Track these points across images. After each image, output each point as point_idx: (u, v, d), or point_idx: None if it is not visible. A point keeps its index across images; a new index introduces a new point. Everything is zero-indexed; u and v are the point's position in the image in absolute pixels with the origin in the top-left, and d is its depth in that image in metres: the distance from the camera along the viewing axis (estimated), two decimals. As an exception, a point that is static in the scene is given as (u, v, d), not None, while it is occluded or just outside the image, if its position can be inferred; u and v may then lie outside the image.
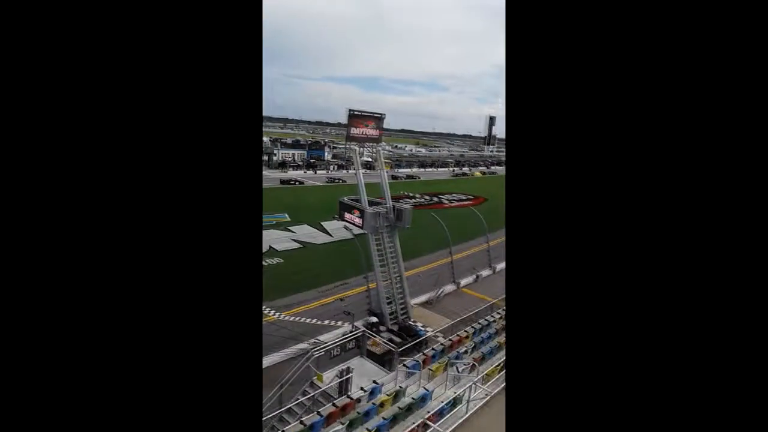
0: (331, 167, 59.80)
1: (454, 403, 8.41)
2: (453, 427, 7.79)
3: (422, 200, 41.58)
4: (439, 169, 76.40)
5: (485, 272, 21.33)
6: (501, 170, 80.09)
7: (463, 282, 19.93)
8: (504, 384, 9.15)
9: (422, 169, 73.40)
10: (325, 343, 11.90)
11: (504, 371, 9.74)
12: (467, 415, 8.12)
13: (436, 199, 43.46)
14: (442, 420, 7.94)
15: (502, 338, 12.32)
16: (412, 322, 14.62)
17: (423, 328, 14.25)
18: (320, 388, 9.51)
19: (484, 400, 8.50)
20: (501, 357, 11.07)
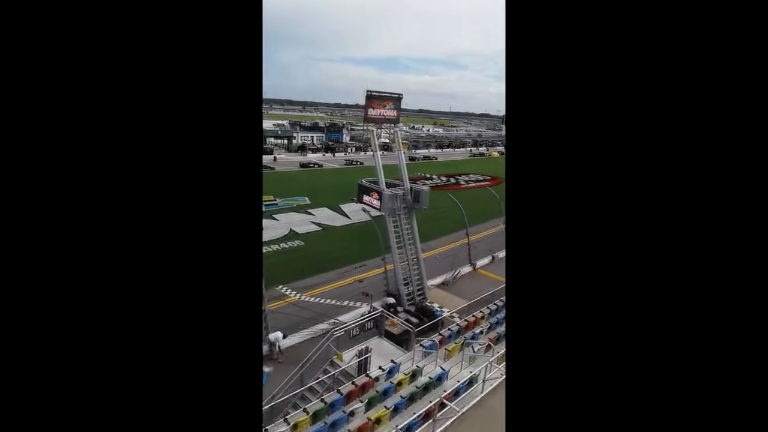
0: (349, 149, 59.81)
1: (470, 382, 8.59)
2: (469, 405, 7.98)
3: (439, 181, 41.34)
4: (457, 150, 75.50)
5: (501, 253, 21.28)
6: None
7: (480, 263, 19.96)
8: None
9: (439, 150, 72.69)
10: (345, 323, 12.22)
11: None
12: (482, 395, 8.30)
13: (453, 180, 43.13)
14: (458, 399, 8.14)
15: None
16: (429, 303, 14.81)
17: (439, 309, 14.43)
18: (340, 367, 9.82)
19: (499, 380, 8.65)
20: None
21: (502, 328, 11.69)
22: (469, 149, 76.40)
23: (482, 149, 76.93)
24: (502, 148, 79.06)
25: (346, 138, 68.46)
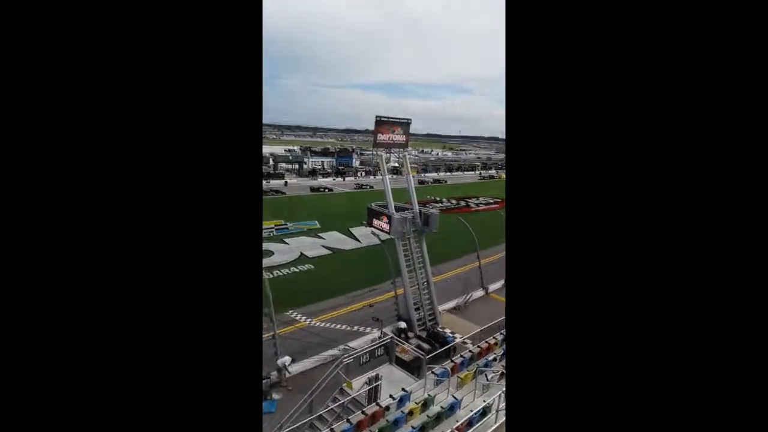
0: (359, 174, 60.36)
1: (484, 412, 8.32)
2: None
3: (449, 204, 41.28)
4: (466, 173, 75.70)
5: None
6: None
7: (492, 287, 19.64)
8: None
9: (449, 173, 72.96)
10: (355, 349, 12.02)
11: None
12: (496, 426, 8.01)
13: (463, 203, 43.06)
14: (471, 430, 7.87)
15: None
16: (441, 328, 14.54)
17: (451, 335, 14.15)
18: (350, 395, 9.60)
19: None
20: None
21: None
22: (478, 172, 76.56)
23: (492, 172, 77.03)
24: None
25: (356, 162, 69.25)
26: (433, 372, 10.18)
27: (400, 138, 15.37)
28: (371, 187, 49.46)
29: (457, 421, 8.05)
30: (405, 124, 15.42)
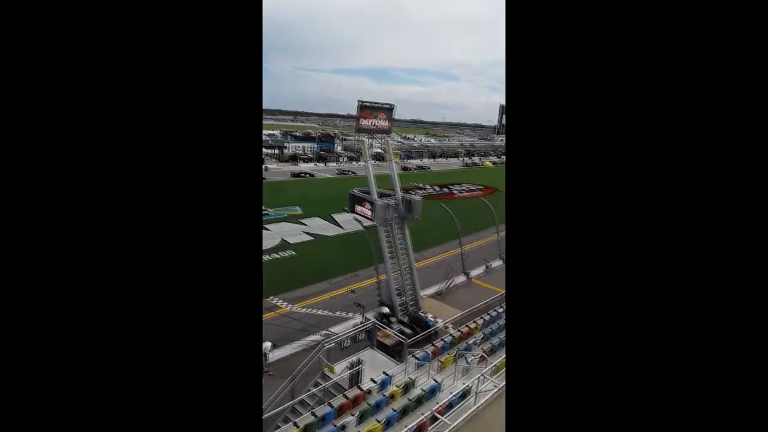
0: (342, 159, 59.81)
1: (464, 395, 8.47)
2: (462, 419, 7.85)
3: (432, 191, 41.43)
4: (450, 160, 75.90)
5: (496, 263, 21.26)
6: (512, 160, 79.39)
7: (474, 273, 19.90)
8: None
9: (432, 160, 73.01)
10: (337, 334, 12.04)
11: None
12: (476, 408, 8.18)
13: (446, 189, 43.26)
14: (451, 412, 8.02)
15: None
16: (423, 313, 14.69)
17: (433, 320, 14.31)
18: (331, 379, 9.65)
19: (492, 393, 8.54)
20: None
21: (496, 339, 11.60)
22: (462, 159, 76.85)
23: (475, 159, 77.44)
24: (494, 158, 79.70)
25: (338, 148, 68.54)
26: (414, 356, 10.30)
27: (383, 123, 15.22)
28: (354, 173, 49.14)
29: (438, 404, 8.19)
30: (388, 109, 15.26)
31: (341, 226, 26.97)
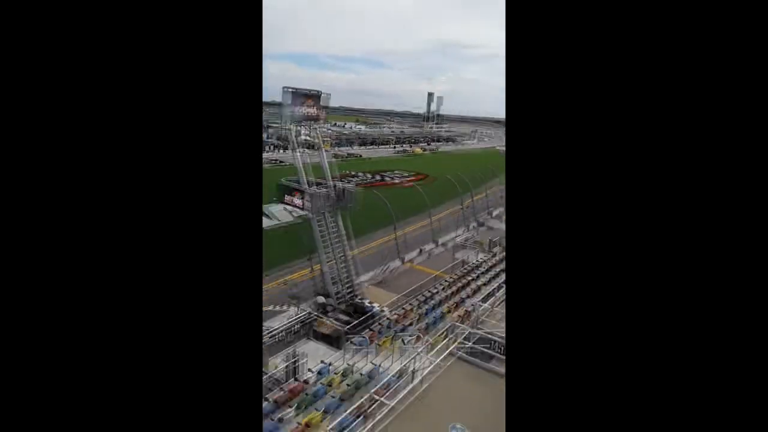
0: (268, 148, 57.61)
1: (401, 374, 8.71)
2: (401, 398, 8.08)
3: (366, 179, 41.53)
4: (380, 147, 76.44)
5: (428, 246, 21.93)
6: (443, 147, 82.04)
7: (410, 257, 20.36)
8: (452, 352, 9.62)
9: (363, 147, 73.04)
10: (272, 328, 11.75)
11: (449, 339, 10.21)
12: (412, 385, 8.45)
13: (379, 177, 43.59)
14: (388, 393, 8.21)
15: (445, 308, 12.85)
16: (360, 300, 14.80)
17: (370, 305, 14.48)
18: (267, 374, 9.43)
19: (429, 369, 8.87)
20: (445, 325, 11.56)
21: (430, 318, 12.03)
22: (394, 146, 77.68)
23: (405, 146, 78.64)
24: (424, 144, 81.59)
25: (264, 136, 65.98)
26: (351, 342, 10.37)
27: (311, 111, 14.88)
28: (282, 162, 47.68)
29: (377, 386, 8.34)
30: (317, 96, 14.94)
31: (274, 218, 26.14)
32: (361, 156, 61.55)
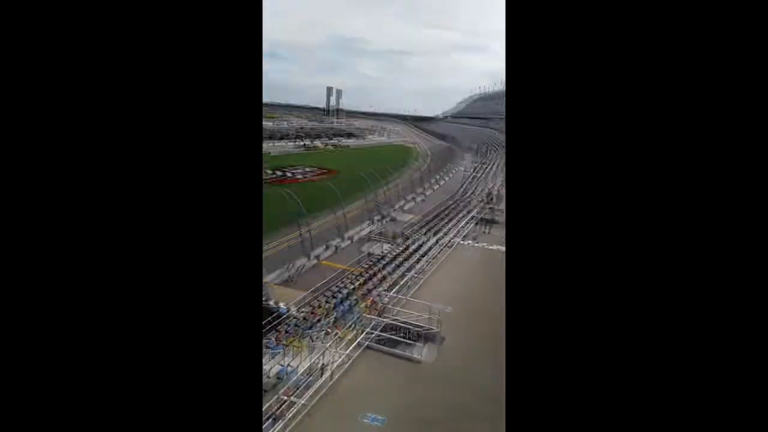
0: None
1: (310, 371, 8.68)
2: (312, 394, 8.05)
3: (274, 175, 40.04)
4: (280, 142, 74.25)
5: (335, 241, 21.97)
6: (346, 141, 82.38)
7: (319, 254, 20.17)
8: (360, 342, 9.81)
9: (268, 143, 70.25)
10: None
11: (356, 330, 10.40)
12: (323, 380, 8.46)
13: (287, 174, 42.35)
14: (298, 390, 8.13)
15: (353, 299, 13.05)
16: (266, 301, 14.32)
17: (276, 306, 14.11)
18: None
19: (337, 364, 8.96)
20: (353, 318, 11.74)
21: (338, 313, 12.11)
22: (296, 142, 75.90)
23: (306, 141, 77.36)
24: (326, 139, 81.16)
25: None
26: (258, 345, 10.02)
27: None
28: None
29: (285, 387, 8.21)
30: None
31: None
32: (269, 153, 59.13)
